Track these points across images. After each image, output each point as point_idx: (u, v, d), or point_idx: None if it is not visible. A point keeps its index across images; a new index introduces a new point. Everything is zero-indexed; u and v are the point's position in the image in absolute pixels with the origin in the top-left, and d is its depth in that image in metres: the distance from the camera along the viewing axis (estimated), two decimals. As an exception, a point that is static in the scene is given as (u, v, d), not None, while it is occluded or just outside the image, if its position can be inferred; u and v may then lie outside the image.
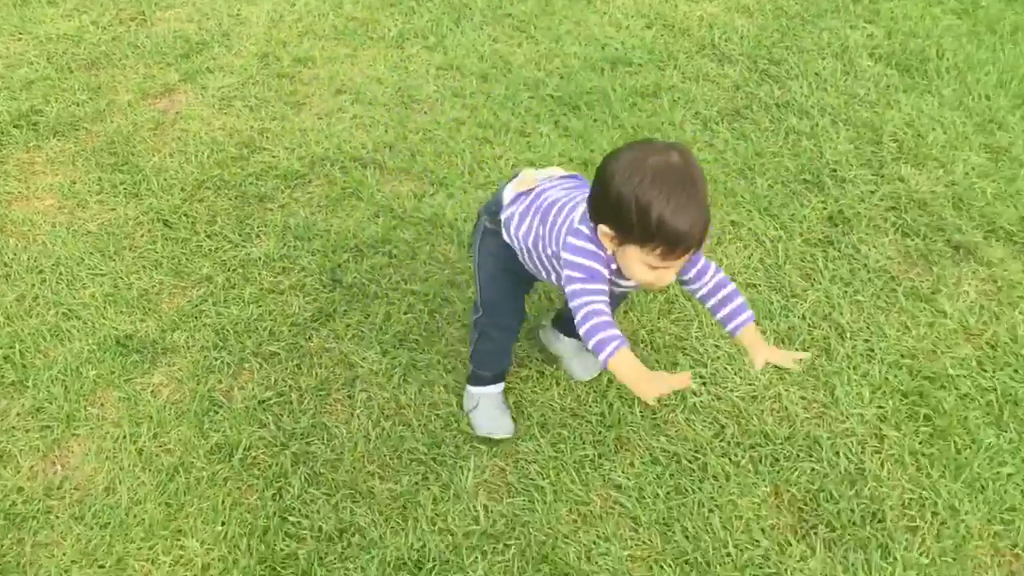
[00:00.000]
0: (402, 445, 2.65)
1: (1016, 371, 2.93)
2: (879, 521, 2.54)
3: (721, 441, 2.69)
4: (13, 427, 2.65)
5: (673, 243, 1.88)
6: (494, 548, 2.43)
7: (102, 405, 2.73)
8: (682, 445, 2.66)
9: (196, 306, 3.01)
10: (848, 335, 3.02)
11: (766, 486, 2.61)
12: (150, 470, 2.56)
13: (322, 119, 3.86)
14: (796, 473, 2.63)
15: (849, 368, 2.92)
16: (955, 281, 3.24)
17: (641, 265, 1.99)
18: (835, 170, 3.67)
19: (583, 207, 2.08)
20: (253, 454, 2.61)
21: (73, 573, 2.36)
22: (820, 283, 3.20)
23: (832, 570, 2.42)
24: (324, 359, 2.88)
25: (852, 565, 2.44)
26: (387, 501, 2.52)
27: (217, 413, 2.70)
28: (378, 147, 3.69)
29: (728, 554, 2.43)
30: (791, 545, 2.46)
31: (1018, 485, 2.62)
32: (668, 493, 2.55)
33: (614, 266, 2.12)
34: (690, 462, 2.63)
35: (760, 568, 2.40)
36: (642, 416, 2.72)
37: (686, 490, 2.59)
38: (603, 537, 2.47)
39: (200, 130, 3.75)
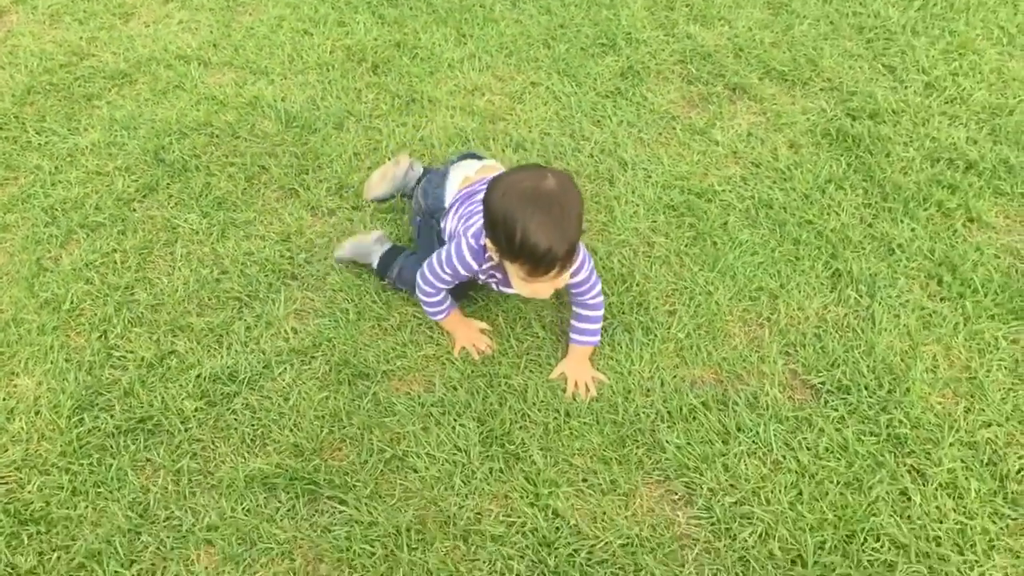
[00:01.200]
0: (219, 286, 2.94)
1: (774, 182, 3.34)
2: (644, 309, 2.90)
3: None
4: None
5: (535, 261, 2.08)
6: (302, 360, 2.74)
7: (-63, 279, 2.96)
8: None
9: (26, 191, 3.24)
10: (629, 166, 3.39)
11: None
12: (-16, 325, 2.80)
13: (149, 26, 4.08)
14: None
15: (628, 192, 3.29)
16: (731, 116, 3.63)
17: (516, 279, 2.27)
18: (630, 33, 4.02)
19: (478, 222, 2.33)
20: (80, 306, 2.88)
21: (-86, 415, 2.58)
22: (608, 127, 3.56)
23: (601, 350, 2.77)
24: (147, 225, 3.15)
25: (620, 344, 2.79)
26: (204, 332, 2.81)
27: (46, 276, 2.96)
28: (203, 46, 3.94)
29: (510, 338, 2.78)
30: (564, 334, 2.82)
31: (767, 270, 3.02)
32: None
33: (500, 275, 2.46)
34: None
35: (539, 351, 2.76)
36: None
37: (476, 299, 2.93)
38: (401, 343, 2.79)
39: (30, 44, 3.94)
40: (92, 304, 2.85)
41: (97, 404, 2.58)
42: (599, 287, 2.58)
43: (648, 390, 2.64)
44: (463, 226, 2.51)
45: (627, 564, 2.27)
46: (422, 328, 2.81)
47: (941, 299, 2.92)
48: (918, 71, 3.78)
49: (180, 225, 3.10)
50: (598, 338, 2.64)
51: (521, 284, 2.27)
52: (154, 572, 2.24)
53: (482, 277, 2.50)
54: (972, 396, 2.62)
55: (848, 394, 2.63)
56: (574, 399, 2.61)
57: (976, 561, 2.27)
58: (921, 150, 3.41)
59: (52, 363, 2.67)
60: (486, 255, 2.35)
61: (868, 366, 2.70)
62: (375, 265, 2.89)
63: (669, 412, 2.58)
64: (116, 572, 2.23)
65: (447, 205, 2.69)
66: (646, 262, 3.02)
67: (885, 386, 2.65)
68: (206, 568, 2.24)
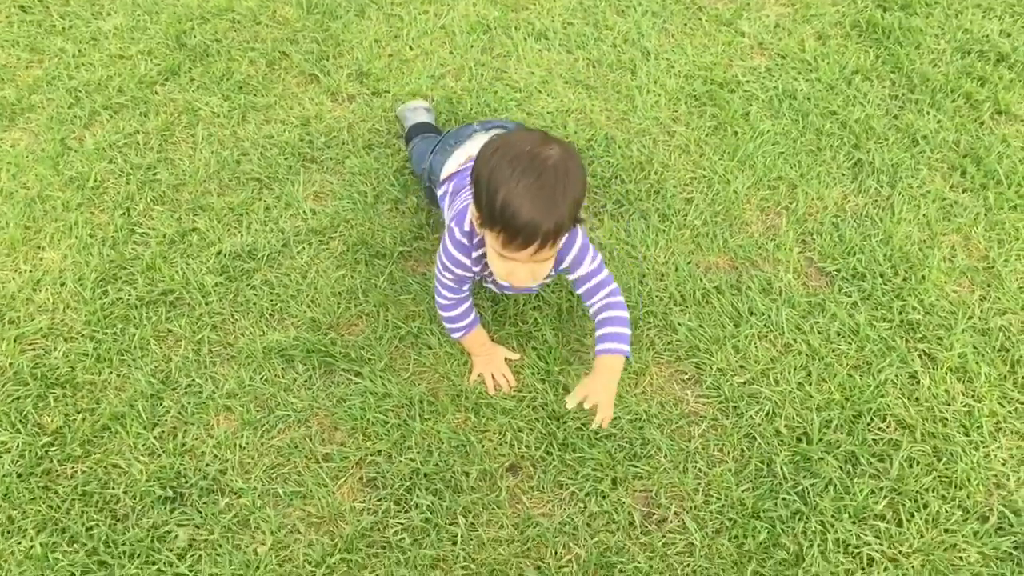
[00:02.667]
0: (239, 168, 2.96)
1: (799, 73, 3.28)
2: (661, 196, 2.90)
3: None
4: None
5: (512, 231, 1.76)
6: (319, 240, 2.78)
7: (-35, 157, 3.01)
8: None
9: (50, 73, 3.26)
10: (652, 56, 3.35)
11: (566, 178, 2.95)
12: (10, 203, 2.86)
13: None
14: (593, 164, 2.98)
15: (650, 82, 3.25)
16: (759, 7, 3.56)
17: (492, 251, 1.90)
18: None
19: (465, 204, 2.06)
20: (103, 184, 2.92)
21: (-56, 284, 2.65)
22: (632, 16, 3.51)
23: (617, 235, 2.78)
24: (169, 107, 3.16)
25: (635, 230, 2.80)
26: (225, 211, 2.84)
27: (70, 156, 3.00)
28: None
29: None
30: (582, 221, 2.82)
31: (787, 160, 3.00)
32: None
33: (481, 251, 2.09)
34: None
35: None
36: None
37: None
38: (418, 225, 2.82)
39: (52, -71, 3.91)
40: (115, 183, 2.89)
41: (120, 277, 2.63)
42: (613, 281, 2.22)
43: (662, 275, 2.65)
44: (455, 212, 2.25)
45: (635, 438, 2.31)
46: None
47: (963, 190, 2.89)
48: (954, -38, 3.67)
49: (201, 108, 3.12)
50: (628, 347, 2.18)
51: (496, 260, 1.90)
52: (175, 435, 2.30)
53: (476, 269, 2.14)
54: (988, 285, 2.61)
55: (863, 281, 2.62)
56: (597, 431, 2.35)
57: (982, 442, 2.29)
58: (952, 42, 3.33)
59: (76, 238, 2.72)
60: (474, 240, 2.06)
61: (884, 254, 2.69)
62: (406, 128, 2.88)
63: (682, 296, 2.60)
64: (139, 434, 2.29)
65: (443, 176, 2.48)
66: (665, 151, 3.01)
67: (901, 274, 2.64)
68: (225, 432, 2.30)
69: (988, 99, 3.11)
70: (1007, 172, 2.86)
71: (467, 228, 2.07)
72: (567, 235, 1.95)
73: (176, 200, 2.84)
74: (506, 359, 2.46)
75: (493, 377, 2.41)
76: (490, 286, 2.36)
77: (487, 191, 1.76)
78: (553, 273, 2.12)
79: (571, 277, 2.18)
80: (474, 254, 2.09)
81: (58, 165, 2.92)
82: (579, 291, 2.20)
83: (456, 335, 2.36)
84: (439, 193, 2.48)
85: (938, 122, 3.06)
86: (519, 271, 1.89)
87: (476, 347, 2.40)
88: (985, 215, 2.78)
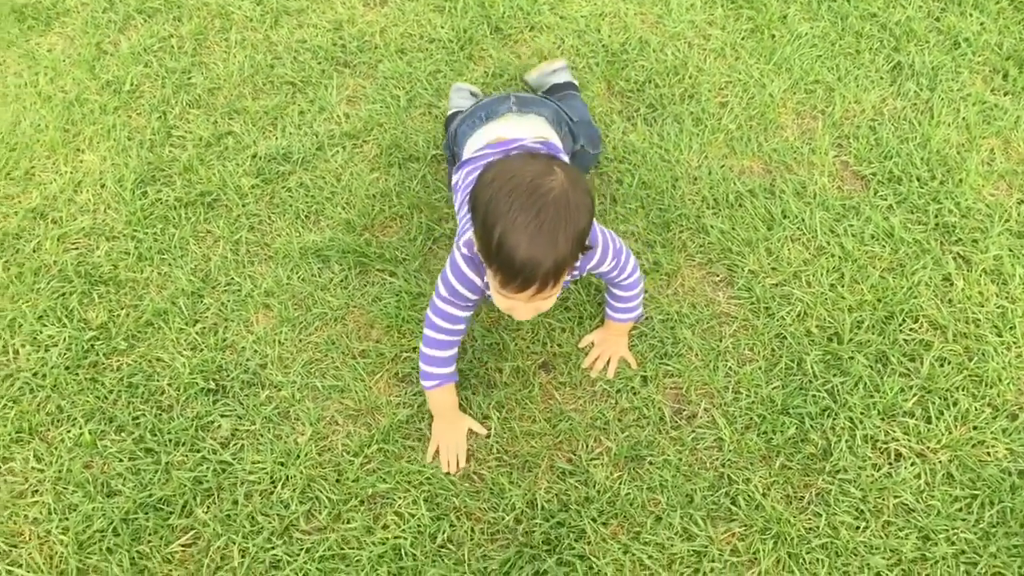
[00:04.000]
0: (273, 72, 2.97)
1: (838, -26, 3.20)
2: (695, 100, 2.87)
3: (560, 50, 3.02)
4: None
5: (509, 272, 1.60)
6: (353, 144, 2.79)
7: (3, 63, 3.04)
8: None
9: (83, -22, 3.26)
10: (689, -42, 3.27)
11: (599, 83, 2.94)
12: (49, 106, 2.89)
13: None
14: (627, 68, 2.96)
15: (685, -16, 3.19)
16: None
17: (493, 287, 1.74)
18: None
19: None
20: (140, 88, 2.94)
21: (-12, 187, 2.70)
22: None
23: (651, 139, 2.77)
24: (202, 11, 3.16)
25: (668, 133, 2.78)
26: (259, 115, 2.86)
27: (106, 59, 3.02)
28: None
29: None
30: (614, 123, 2.81)
31: (824, 63, 2.95)
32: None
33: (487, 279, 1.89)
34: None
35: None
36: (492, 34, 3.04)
37: (527, 90, 2.92)
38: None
39: None
40: (151, 86, 2.91)
41: (159, 179, 2.67)
42: (633, 263, 2.10)
43: (695, 178, 2.64)
44: (458, 230, 2.11)
45: (666, 337, 2.34)
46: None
47: (1004, 93, 2.84)
48: None
49: (234, 12, 3.12)
50: (639, 312, 2.23)
51: (497, 296, 1.76)
52: (216, 331, 2.36)
53: (489, 293, 1.92)
54: (1027, 188, 2.58)
55: (899, 184, 2.61)
56: (587, 371, 2.28)
57: (1014, 342, 2.30)
58: (999, -59, 3.24)
59: (115, 140, 2.76)
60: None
61: (922, 158, 2.67)
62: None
63: (715, 199, 2.60)
64: (181, 329, 2.35)
65: (463, 157, 2.29)
66: (700, 54, 2.98)
67: (938, 177, 2.62)
68: (264, 329, 2.36)
69: (1034, 0, 3.02)
70: (1051, 75, 2.80)
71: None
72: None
73: (211, 104, 2.86)
74: (469, 430, 2.23)
75: (447, 456, 2.17)
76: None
77: (483, 226, 1.61)
78: (578, 274, 2.00)
79: (594, 272, 2.05)
80: (486, 278, 1.87)
81: (94, 69, 2.94)
82: (601, 277, 2.11)
83: (430, 384, 2.09)
84: (453, 180, 2.29)
85: (981, 24, 3.00)
86: (520, 308, 1.76)
87: (444, 409, 2.15)
88: (1027, 118, 2.73)
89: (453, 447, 2.15)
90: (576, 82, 2.81)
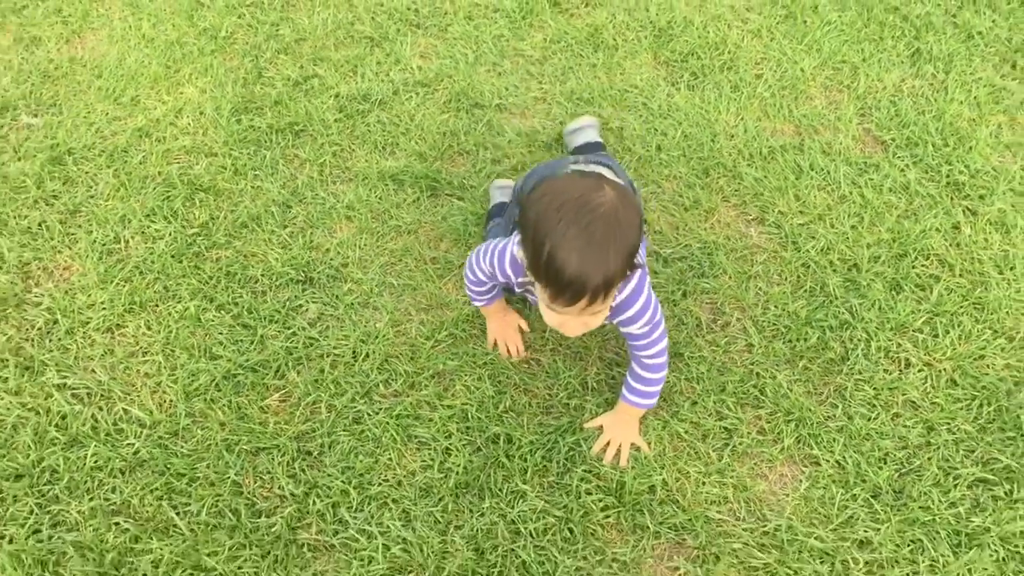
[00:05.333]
0: (353, 28, 3.32)
1: (865, -26, 3.57)
2: (734, 71, 3.22)
3: (612, 24, 3.36)
4: (40, 23, 3.34)
5: (558, 286, 1.60)
6: (425, 91, 3.13)
7: (109, 7, 3.41)
8: (585, 29, 3.34)
9: (182, -58, 3.64)
10: (730, -46, 3.65)
11: (647, 53, 3.30)
12: (152, 46, 3.24)
13: None
14: (672, 42, 3.31)
15: (726, -25, 3.56)
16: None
17: (542, 303, 1.75)
18: None
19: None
20: (233, 35, 3.29)
21: (97, 109, 3.05)
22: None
23: (692, 102, 3.12)
24: (289, -25, 3.52)
25: (709, 98, 3.13)
26: (341, 63, 3.21)
27: (203, 10, 3.38)
28: None
29: (607, 88, 3.14)
30: (659, 86, 3.17)
31: (851, 47, 3.30)
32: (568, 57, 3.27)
33: (534, 296, 1.93)
34: (586, 39, 3.34)
35: (637, 97, 3.11)
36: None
37: (581, 55, 3.28)
38: (513, 84, 3.16)
39: None
40: (244, 34, 3.26)
41: (251, 110, 3.01)
42: (663, 346, 2.06)
43: (732, 135, 2.98)
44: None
45: (703, 260, 2.65)
46: (533, 78, 3.17)
47: (1012, 79, 3.18)
48: None
49: (318, -23, 3.47)
50: (654, 401, 2.17)
51: (546, 311, 1.76)
52: (303, 234, 2.68)
53: (518, 290, 2.08)
54: (1030, 158, 2.91)
55: (915, 148, 2.94)
56: (598, 460, 2.26)
57: (1014, 280, 2.61)
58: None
59: (212, 77, 3.10)
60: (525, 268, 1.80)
61: (936, 128, 3.00)
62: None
63: (750, 153, 2.93)
64: (273, 231, 2.68)
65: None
66: (739, 34, 3.32)
67: (950, 144, 2.95)
68: (346, 235, 2.68)
69: (1042, 2, 3.37)
70: (1055, 65, 3.14)
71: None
72: (628, 287, 1.88)
73: (298, 52, 3.21)
74: (520, 329, 2.42)
75: (506, 344, 2.40)
76: (528, 298, 2.29)
77: (533, 241, 1.60)
78: (606, 323, 1.96)
79: (623, 329, 2.01)
80: (520, 279, 1.97)
81: (192, 18, 3.30)
82: (629, 340, 2.05)
83: (478, 302, 2.32)
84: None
85: (993, 21, 3.34)
86: (570, 323, 1.76)
87: (493, 311, 2.38)
88: (1031, 100, 3.07)
89: (510, 339, 2.40)
90: (603, 143, 2.83)
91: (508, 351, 2.40)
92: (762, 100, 3.05)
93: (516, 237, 1.87)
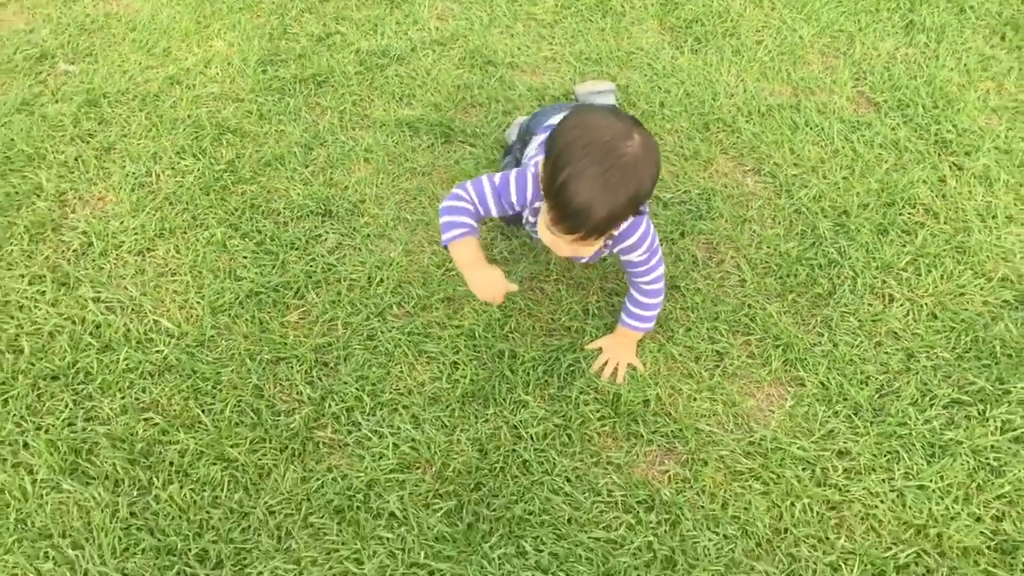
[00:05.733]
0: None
1: (865, -49, 3.74)
2: (735, 37, 3.40)
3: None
4: (77, -20, 3.54)
5: (562, 212, 1.71)
6: (442, 48, 3.31)
7: (143, -32, 3.60)
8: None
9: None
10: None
11: (653, 19, 3.47)
12: (183, 3, 3.43)
13: None
14: (677, 9, 3.48)
15: (731, -50, 3.73)
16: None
17: (543, 219, 1.85)
18: None
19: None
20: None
21: (131, 59, 3.24)
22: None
23: (695, 63, 3.29)
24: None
25: (711, 60, 3.30)
26: (362, 21, 3.39)
27: (232, -28, 3.57)
28: None
29: (614, 49, 3.31)
30: (664, 49, 3.34)
31: (848, 17, 3.47)
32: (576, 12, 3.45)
33: (538, 204, 2.01)
34: (595, 5, 3.52)
35: (643, 59, 3.28)
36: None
37: (590, 20, 3.46)
38: (524, 45, 3.33)
39: None
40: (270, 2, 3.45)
41: (276, 62, 3.19)
42: (660, 272, 2.18)
43: (732, 94, 3.15)
44: (537, 156, 2.07)
45: (702, 204, 2.82)
46: (544, 39, 3.35)
47: (1001, 49, 3.34)
48: None
49: (341, -55, 3.65)
50: (651, 326, 2.29)
51: (544, 229, 1.87)
52: (324, 173, 2.85)
53: (525, 213, 2.14)
54: (1014, 120, 3.07)
55: (907, 109, 3.10)
56: (597, 377, 2.36)
57: (995, 227, 2.76)
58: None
59: (239, 32, 3.29)
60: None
61: (927, 92, 3.16)
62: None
63: (748, 110, 3.09)
64: (295, 169, 2.85)
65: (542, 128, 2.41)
66: (741, 3, 3.50)
67: (940, 107, 3.11)
68: (364, 174, 2.85)
69: (1032, -22, 3.53)
70: (1042, 35, 3.30)
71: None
72: (626, 222, 1.96)
73: (321, 11, 3.39)
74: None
75: (491, 295, 2.03)
76: (528, 228, 2.27)
77: (554, 165, 1.69)
78: (606, 253, 2.14)
79: (623, 257, 2.12)
80: (536, 203, 2.00)
81: (222, -22, 3.48)
82: (627, 268, 2.18)
83: (452, 233, 2.01)
84: (538, 139, 2.36)
85: (985, -5, 3.50)
86: (561, 245, 1.85)
87: (471, 260, 2.01)
88: (1018, 69, 3.24)
89: (498, 288, 2.00)
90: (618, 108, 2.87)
91: (495, 298, 2.01)
92: (762, 64, 3.22)
93: (540, 157, 1.89)
